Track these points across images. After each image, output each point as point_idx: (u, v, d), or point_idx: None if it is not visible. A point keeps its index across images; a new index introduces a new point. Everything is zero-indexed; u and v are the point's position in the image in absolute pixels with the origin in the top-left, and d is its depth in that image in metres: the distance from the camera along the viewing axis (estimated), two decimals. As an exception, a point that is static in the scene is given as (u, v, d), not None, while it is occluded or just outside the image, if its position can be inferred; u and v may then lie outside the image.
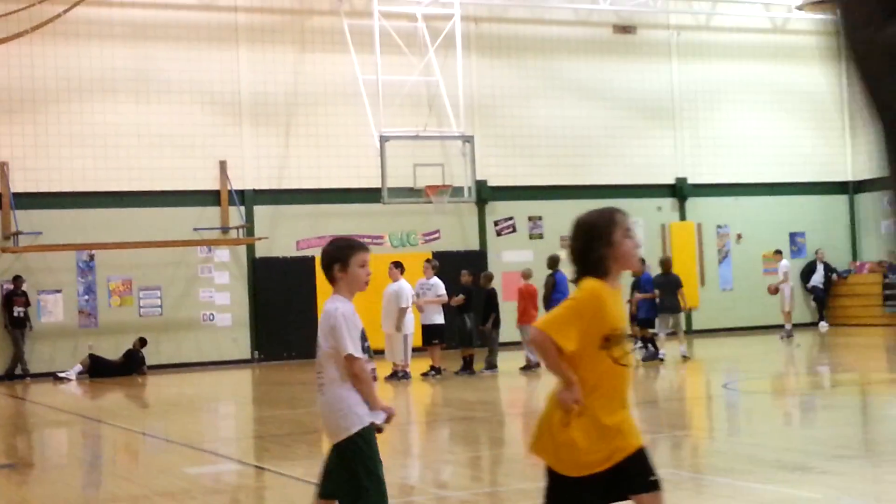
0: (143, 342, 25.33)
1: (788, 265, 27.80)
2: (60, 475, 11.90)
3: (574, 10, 30.38)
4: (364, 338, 6.24)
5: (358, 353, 6.12)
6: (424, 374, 20.65)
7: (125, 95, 26.48)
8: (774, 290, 27.19)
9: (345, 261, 6.27)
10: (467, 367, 20.99)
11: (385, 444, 13.17)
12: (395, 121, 25.94)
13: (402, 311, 19.93)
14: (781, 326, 27.34)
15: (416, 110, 27.21)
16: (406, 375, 20.23)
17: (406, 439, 13.41)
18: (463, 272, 21.92)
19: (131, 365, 24.97)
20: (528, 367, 20.77)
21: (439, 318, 20.72)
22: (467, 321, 21.14)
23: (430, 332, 20.78)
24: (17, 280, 24.94)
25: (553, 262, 21.53)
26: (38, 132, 25.79)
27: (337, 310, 6.17)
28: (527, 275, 21.63)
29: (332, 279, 6.34)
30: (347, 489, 6.09)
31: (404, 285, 20.14)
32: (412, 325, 20.35)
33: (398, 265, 20.41)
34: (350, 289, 6.31)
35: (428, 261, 21.76)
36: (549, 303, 20.84)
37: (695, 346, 27.44)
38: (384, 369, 20.62)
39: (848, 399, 15.83)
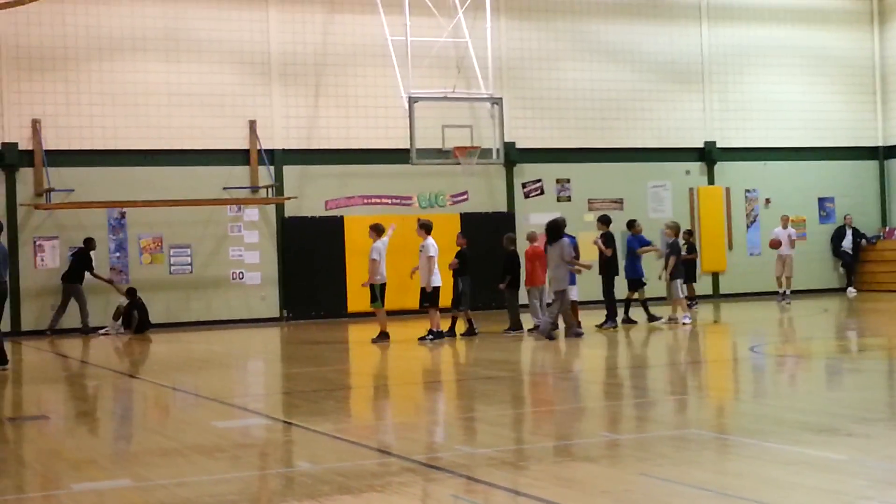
0: (132, 293, 25.37)
1: (794, 232, 28.50)
2: (92, 428, 12.07)
3: (605, -28, 30.23)
4: None
5: None
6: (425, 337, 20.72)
7: (155, 54, 26.59)
8: (777, 245, 27.74)
9: None
10: (452, 331, 21.02)
11: (410, 402, 13.31)
12: (423, 82, 25.92)
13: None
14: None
15: (444, 72, 27.20)
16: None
17: (431, 398, 13.59)
18: (458, 235, 22.20)
19: (144, 321, 25.05)
20: (537, 329, 20.86)
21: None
22: (460, 284, 21.23)
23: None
24: (89, 242, 25.26)
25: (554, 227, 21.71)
26: (69, 90, 25.94)
27: None
28: (532, 237, 21.84)
29: None
30: None
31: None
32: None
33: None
34: None
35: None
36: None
37: (722, 309, 27.46)
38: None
39: (875, 363, 15.83)
